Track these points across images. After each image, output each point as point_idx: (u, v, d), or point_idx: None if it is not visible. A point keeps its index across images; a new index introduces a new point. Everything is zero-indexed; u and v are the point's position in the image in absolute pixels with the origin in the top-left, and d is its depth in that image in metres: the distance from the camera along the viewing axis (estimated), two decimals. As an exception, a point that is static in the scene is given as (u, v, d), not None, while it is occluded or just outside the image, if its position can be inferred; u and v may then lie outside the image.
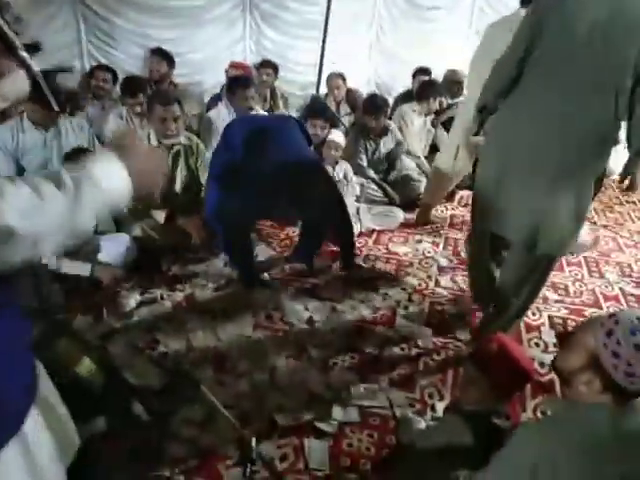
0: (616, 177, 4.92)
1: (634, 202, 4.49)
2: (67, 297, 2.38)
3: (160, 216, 2.88)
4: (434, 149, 4.25)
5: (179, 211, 2.96)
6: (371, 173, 3.73)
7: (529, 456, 1.16)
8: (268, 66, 4.62)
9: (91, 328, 2.20)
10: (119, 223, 2.87)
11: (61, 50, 3.88)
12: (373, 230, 3.46)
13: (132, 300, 2.45)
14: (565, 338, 1.24)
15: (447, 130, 3.85)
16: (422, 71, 5.13)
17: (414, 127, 4.11)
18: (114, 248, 2.64)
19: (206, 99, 4.46)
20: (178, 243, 2.92)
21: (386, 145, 3.84)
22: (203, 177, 3.10)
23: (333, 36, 4.87)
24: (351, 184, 3.40)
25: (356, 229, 3.33)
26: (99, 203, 0.79)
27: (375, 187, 3.73)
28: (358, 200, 3.53)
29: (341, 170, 3.40)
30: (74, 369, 1.50)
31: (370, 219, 3.44)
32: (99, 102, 3.82)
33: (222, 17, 4.64)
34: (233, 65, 4.41)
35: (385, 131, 3.79)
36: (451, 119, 3.63)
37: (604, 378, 1.10)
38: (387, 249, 3.28)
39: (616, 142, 5.27)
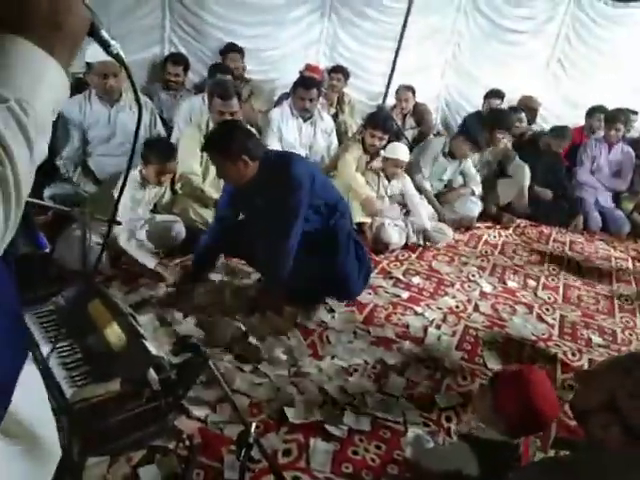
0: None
1: None
2: (113, 265, 2.51)
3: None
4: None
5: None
6: (427, 185, 3.68)
7: None
8: (339, 71, 4.67)
9: (125, 297, 2.29)
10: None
11: (144, 35, 4.07)
12: (419, 245, 3.41)
13: (171, 278, 2.53)
14: (585, 376, 1.17)
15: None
16: (494, 94, 5.02)
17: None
18: (162, 230, 2.76)
19: (275, 97, 4.56)
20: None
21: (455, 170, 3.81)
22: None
23: (409, 48, 4.85)
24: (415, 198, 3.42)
25: (402, 241, 3.30)
26: None
27: (427, 203, 3.67)
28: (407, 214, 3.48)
29: (401, 184, 3.39)
30: (102, 331, 1.57)
31: (416, 235, 3.38)
32: (172, 91, 3.99)
33: (301, 18, 4.72)
34: (308, 67, 4.49)
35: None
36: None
37: (621, 423, 1.02)
38: (430, 266, 3.21)
39: None
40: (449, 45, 5.36)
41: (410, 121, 4.96)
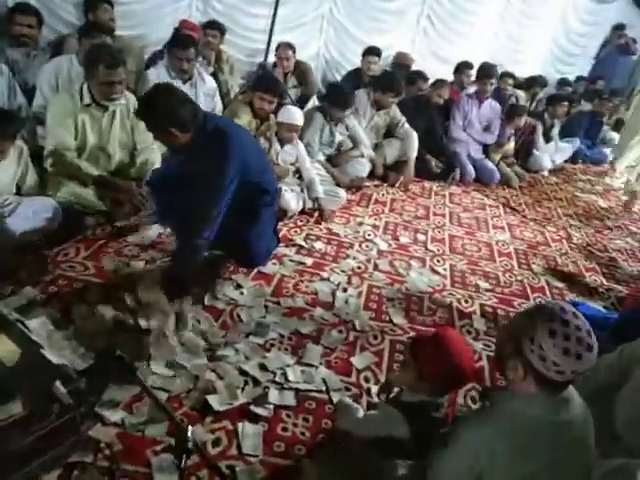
0: (546, 173, 5.21)
1: (561, 199, 4.74)
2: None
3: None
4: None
5: (113, 174, 2.76)
6: (320, 156, 3.68)
7: (470, 446, 1.21)
8: (214, 27, 4.38)
9: (6, 301, 2.00)
10: (43, 186, 2.63)
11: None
12: (315, 209, 3.41)
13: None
14: (502, 327, 1.29)
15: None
16: (372, 51, 5.08)
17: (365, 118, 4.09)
18: (38, 212, 2.41)
19: (147, 55, 4.16)
20: (109, 209, 2.72)
21: (342, 132, 3.83)
22: (140, 138, 2.91)
23: (286, 4, 4.69)
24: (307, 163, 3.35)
25: (299, 206, 3.29)
26: None
27: (319, 166, 3.67)
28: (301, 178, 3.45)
29: (295, 150, 3.33)
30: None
31: (313, 198, 3.38)
32: (23, 49, 3.43)
33: (168, -33, 4.31)
34: (183, 24, 4.15)
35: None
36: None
37: (525, 364, 1.17)
38: (328, 229, 3.25)
39: (549, 139, 5.50)
40: (326, 1, 5.26)
41: (292, 80, 4.85)
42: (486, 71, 4.63)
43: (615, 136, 6.26)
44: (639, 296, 3.07)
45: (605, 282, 3.27)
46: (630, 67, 8.11)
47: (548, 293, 3.00)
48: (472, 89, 4.91)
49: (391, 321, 2.45)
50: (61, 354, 1.54)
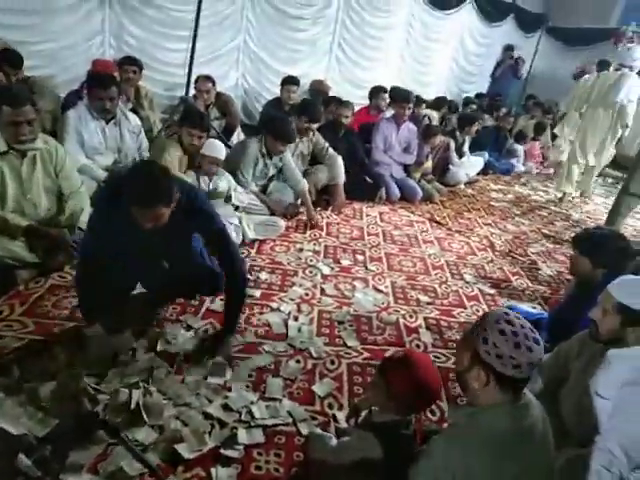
0: (462, 186, 5.57)
1: (479, 209, 5.09)
2: None
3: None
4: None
5: (42, 223, 2.62)
6: (253, 187, 3.71)
7: (444, 464, 1.28)
8: (130, 63, 4.31)
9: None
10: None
11: None
12: (255, 240, 3.43)
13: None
14: (457, 344, 1.39)
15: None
16: (290, 80, 5.21)
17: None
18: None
19: (61, 95, 4.01)
20: (42, 260, 2.57)
21: (276, 165, 3.87)
22: (66, 184, 2.78)
23: (202, 37, 4.71)
24: (235, 195, 3.34)
25: (238, 239, 3.28)
26: None
27: (254, 197, 3.69)
28: (239, 210, 3.47)
29: (221, 181, 3.33)
30: None
31: (253, 229, 3.40)
32: None
33: (77, 7, 4.18)
34: (97, 63, 4.05)
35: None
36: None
37: (487, 369, 1.28)
38: (271, 259, 3.27)
39: (461, 155, 5.85)
40: (240, 32, 5.36)
41: (214, 112, 4.86)
42: (402, 96, 4.90)
43: (518, 147, 6.84)
44: (560, 296, 3.35)
45: (530, 284, 3.55)
46: (521, 85, 8.92)
47: (482, 300, 3.21)
48: (389, 113, 5.18)
49: (345, 344, 2.50)
50: (18, 423, 1.43)
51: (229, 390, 2.06)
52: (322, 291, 2.98)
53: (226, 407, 1.96)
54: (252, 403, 2.00)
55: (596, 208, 5.88)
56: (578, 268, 2.44)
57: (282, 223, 3.63)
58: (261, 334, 2.47)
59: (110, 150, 3.45)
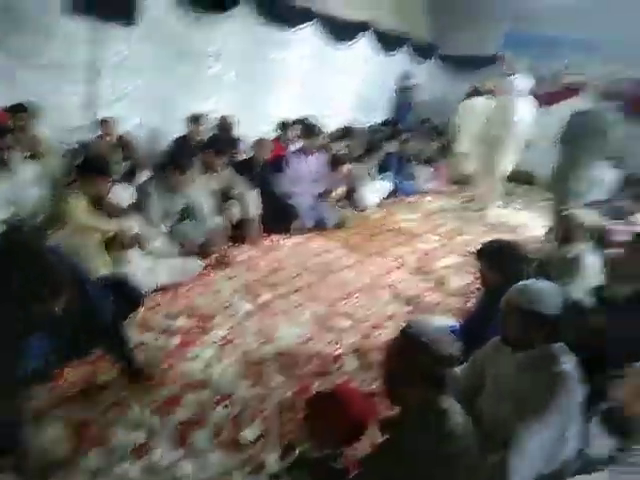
0: (372, 210, 5.77)
1: (390, 230, 5.30)
2: None
3: None
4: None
5: None
6: (162, 228, 3.60)
7: None
8: (21, 110, 4.09)
9: None
10: None
11: None
12: (169, 284, 3.33)
13: None
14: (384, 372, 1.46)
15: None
16: (194, 118, 5.20)
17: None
18: None
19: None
20: None
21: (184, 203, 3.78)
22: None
23: (103, 78, 4.60)
24: (144, 239, 3.23)
25: (152, 286, 3.17)
26: None
27: (164, 239, 3.59)
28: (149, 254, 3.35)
29: (129, 226, 3.21)
30: None
31: (166, 273, 3.30)
32: None
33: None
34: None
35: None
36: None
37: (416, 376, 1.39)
38: (188, 303, 3.18)
39: (369, 180, 6.05)
40: (142, 72, 5.25)
41: (118, 154, 4.71)
42: (309, 127, 5.05)
43: (423, 169, 7.26)
44: (471, 306, 3.55)
45: (442, 298, 3.73)
46: (418, 109, 9.52)
47: (399, 318, 3.32)
48: (298, 144, 5.30)
49: (270, 383, 2.48)
50: None
51: (152, 449, 1.97)
52: (244, 330, 2.94)
53: (150, 470, 1.87)
54: (179, 460, 1.92)
55: (499, 219, 6.35)
56: (489, 280, 2.58)
57: (197, 263, 3.56)
58: (183, 385, 2.39)
59: (7, 203, 3.23)
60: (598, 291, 2.87)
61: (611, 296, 2.74)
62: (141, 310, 2.92)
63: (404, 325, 1.45)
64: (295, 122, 5.83)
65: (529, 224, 6.34)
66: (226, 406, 2.27)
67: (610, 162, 5.22)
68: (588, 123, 4.81)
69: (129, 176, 4.59)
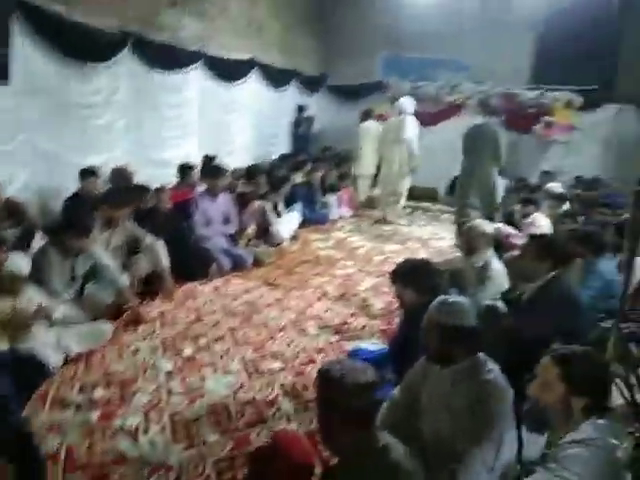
0: (286, 243, 5.78)
1: (307, 261, 5.32)
2: None
3: None
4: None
5: None
6: (65, 295, 3.34)
7: None
8: None
9: None
10: None
11: None
12: (81, 354, 3.06)
13: None
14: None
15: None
16: (88, 172, 4.93)
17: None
18: None
19: None
20: None
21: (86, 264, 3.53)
22: None
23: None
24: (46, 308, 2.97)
25: (60, 359, 2.91)
26: None
27: (69, 306, 3.33)
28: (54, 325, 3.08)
29: (29, 298, 2.95)
30: None
31: (76, 342, 3.04)
32: None
33: None
34: None
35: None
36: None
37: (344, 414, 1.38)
38: (104, 370, 2.95)
39: (279, 214, 6.10)
40: (22, 129, 4.91)
41: (5, 221, 4.34)
42: (212, 169, 4.99)
43: (329, 196, 7.42)
44: (394, 325, 3.63)
45: (366, 321, 3.79)
46: (316, 139, 9.82)
47: (329, 349, 3.31)
48: (202, 187, 5.21)
49: (205, 443, 2.34)
50: None
51: None
52: (169, 391, 2.77)
53: None
54: None
55: (408, 236, 6.63)
56: (407, 301, 2.64)
57: (108, 327, 3.31)
58: (108, 462, 2.18)
59: None
60: (505, 295, 3.06)
61: (515, 298, 2.93)
62: (52, 386, 2.69)
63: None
64: (195, 165, 5.75)
65: (436, 237, 6.69)
66: (161, 476, 2.10)
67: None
68: (484, 134, 5.40)
69: (21, 242, 4.23)
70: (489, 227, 3.61)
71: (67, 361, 2.96)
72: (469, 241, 3.54)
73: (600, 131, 7.86)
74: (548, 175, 7.14)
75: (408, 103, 6.86)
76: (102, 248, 3.78)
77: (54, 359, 2.84)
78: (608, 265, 3.19)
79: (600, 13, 7.52)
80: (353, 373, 1.33)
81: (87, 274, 3.58)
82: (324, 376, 1.35)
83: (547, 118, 7.71)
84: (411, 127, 6.77)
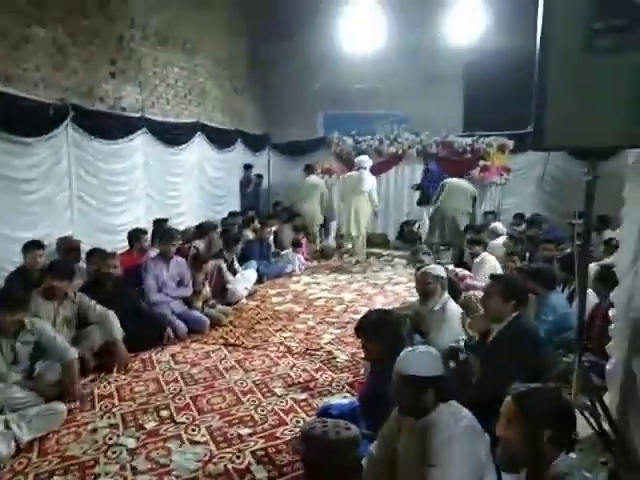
0: (244, 301, 5.72)
1: (267, 318, 5.26)
2: None
3: None
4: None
5: None
6: (11, 377, 3.12)
7: None
8: None
9: None
10: None
11: None
12: (34, 440, 2.85)
13: None
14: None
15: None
16: (34, 245, 4.75)
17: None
18: None
19: None
20: None
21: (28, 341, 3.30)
22: None
23: None
24: None
25: (11, 450, 2.69)
26: None
27: (16, 389, 3.11)
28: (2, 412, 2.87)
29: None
30: None
31: (27, 427, 2.82)
32: None
33: None
34: None
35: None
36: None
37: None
38: (60, 455, 2.74)
39: (234, 272, 6.10)
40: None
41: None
42: (165, 232, 4.93)
43: (284, 252, 7.47)
44: (361, 377, 3.61)
45: (334, 375, 3.75)
46: (266, 195, 9.96)
47: (298, 409, 3.24)
48: (154, 252, 5.11)
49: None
50: None
51: None
52: (133, 470, 2.60)
53: None
54: None
55: (361, 283, 6.70)
56: (373, 352, 2.63)
57: (62, 407, 3.09)
58: None
59: None
60: (467, 338, 3.12)
61: (476, 343, 2.99)
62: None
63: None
64: (145, 229, 5.67)
65: (392, 282, 6.81)
66: None
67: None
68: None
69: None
70: (442, 270, 3.71)
71: (19, 449, 2.73)
72: (424, 285, 3.62)
73: (534, 171, 8.46)
74: (491, 215, 7.52)
75: (365, 159, 7.83)
76: (48, 322, 3.59)
77: (3, 449, 2.62)
78: (558, 298, 3.35)
79: (524, 57, 8.06)
80: (335, 430, 1.32)
81: (34, 353, 3.36)
82: (306, 435, 1.32)
83: (483, 162, 8.19)
84: (369, 180, 7.71)
